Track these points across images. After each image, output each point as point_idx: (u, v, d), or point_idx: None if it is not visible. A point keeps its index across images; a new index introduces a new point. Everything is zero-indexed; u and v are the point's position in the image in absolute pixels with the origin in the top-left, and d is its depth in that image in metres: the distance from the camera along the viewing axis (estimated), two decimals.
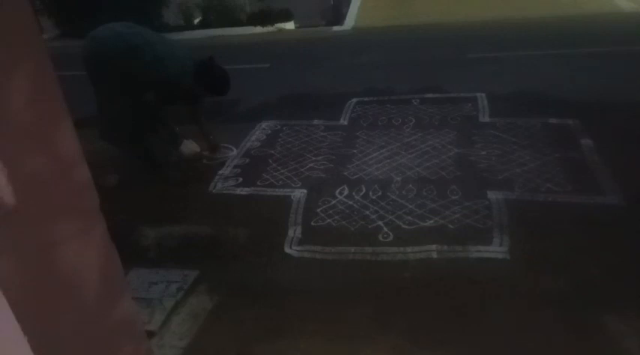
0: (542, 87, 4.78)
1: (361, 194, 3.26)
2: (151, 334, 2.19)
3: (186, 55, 3.51)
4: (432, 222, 2.91)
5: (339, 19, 9.68)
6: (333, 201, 3.21)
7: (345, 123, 4.41)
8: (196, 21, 10.26)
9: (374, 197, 3.21)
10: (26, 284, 0.96)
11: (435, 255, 2.63)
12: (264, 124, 4.50)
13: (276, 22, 9.42)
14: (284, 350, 2.12)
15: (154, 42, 3.38)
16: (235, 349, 2.14)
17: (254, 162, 3.85)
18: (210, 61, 3.53)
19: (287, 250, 2.79)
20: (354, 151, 3.85)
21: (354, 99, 4.87)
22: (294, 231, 2.94)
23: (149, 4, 9.42)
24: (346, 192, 3.31)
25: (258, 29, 9.37)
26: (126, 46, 3.27)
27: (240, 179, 3.61)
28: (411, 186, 3.29)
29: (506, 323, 2.15)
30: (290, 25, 9.60)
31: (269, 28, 9.37)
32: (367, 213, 3.05)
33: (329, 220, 3.02)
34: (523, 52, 6.04)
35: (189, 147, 3.90)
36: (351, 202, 3.18)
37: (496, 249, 2.63)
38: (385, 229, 2.88)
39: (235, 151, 4.03)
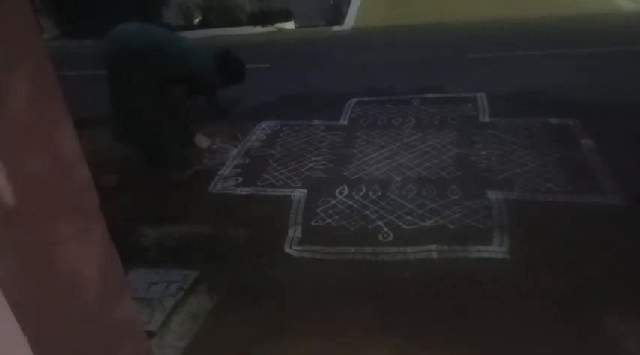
0: (542, 87, 4.78)
1: (361, 194, 3.26)
2: (151, 334, 2.19)
3: (201, 49, 3.76)
4: (432, 222, 2.91)
5: (339, 19, 9.68)
6: (333, 201, 3.21)
7: (345, 123, 4.41)
8: (196, 21, 10.26)
9: (374, 197, 3.21)
10: (26, 284, 0.96)
11: (435, 255, 2.63)
12: (264, 124, 4.50)
13: (276, 22, 9.42)
14: (284, 350, 2.12)
15: (173, 38, 3.59)
16: (235, 349, 2.14)
17: (254, 162, 3.85)
18: (228, 52, 3.78)
19: (287, 250, 2.79)
20: (354, 151, 3.85)
21: (354, 99, 4.87)
22: (294, 231, 2.94)
23: (149, 4, 9.42)
24: (346, 192, 3.31)
25: (258, 29, 9.37)
26: (150, 44, 3.33)
27: (240, 179, 3.61)
28: (411, 186, 3.29)
29: (506, 323, 2.15)
30: (290, 25, 9.60)
31: (269, 28, 9.37)
32: (367, 213, 3.05)
33: (329, 220, 3.02)
34: (523, 52, 6.04)
35: (202, 140, 4.08)
36: (351, 202, 3.18)
37: (496, 249, 2.63)
38: (385, 229, 2.88)
39: (235, 151, 4.04)
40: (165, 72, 3.41)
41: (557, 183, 3.16)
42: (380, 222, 2.95)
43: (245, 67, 3.83)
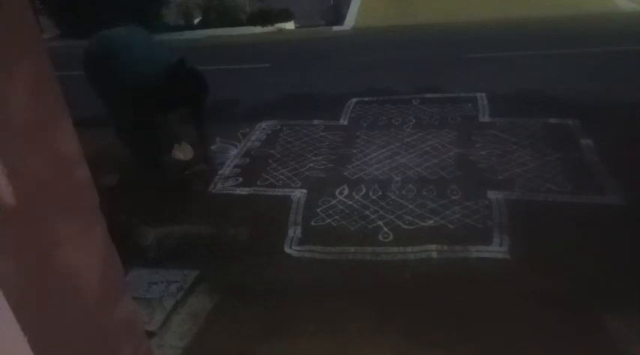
0: (542, 87, 4.78)
1: (361, 194, 3.26)
2: (151, 334, 2.19)
3: (165, 58, 3.42)
4: (432, 221, 2.91)
5: (339, 19, 9.69)
6: (333, 201, 3.21)
7: (345, 123, 4.41)
8: (196, 21, 10.27)
9: (374, 197, 3.21)
10: (26, 284, 0.96)
11: (435, 255, 2.63)
12: (264, 124, 4.50)
13: (276, 22, 9.43)
14: (284, 350, 2.12)
15: (135, 44, 3.41)
16: (235, 349, 2.14)
17: (254, 162, 3.85)
18: (179, 64, 3.38)
19: (287, 250, 2.79)
20: (354, 151, 3.85)
21: (354, 99, 4.87)
22: (294, 231, 2.94)
23: (149, 5, 9.42)
24: (346, 192, 3.31)
25: (258, 29, 9.37)
26: (108, 48, 3.37)
27: (240, 179, 3.61)
28: (411, 186, 3.29)
29: (506, 323, 2.15)
30: (290, 25, 9.61)
31: (269, 28, 9.37)
32: (367, 213, 3.05)
33: (329, 220, 3.02)
34: (523, 52, 6.04)
35: (183, 151, 3.73)
36: (351, 202, 3.18)
37: (496, 249, 2.62)
38: (385, 229, 2.88)
39: (235, 151, 4.04)
40: (116, 77, 3.33)
41: (557, 183, 3.16)
42: (380, 222, 2.95)
43: (197, 82, 3.45)
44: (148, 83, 3.26)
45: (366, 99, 4.89)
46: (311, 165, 3.71)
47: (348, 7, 10.29)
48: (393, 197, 3.19)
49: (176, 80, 3.32)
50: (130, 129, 3.62)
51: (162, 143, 3.80)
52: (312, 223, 3.01)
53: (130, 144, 3.76)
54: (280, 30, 9.38)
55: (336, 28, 9.18)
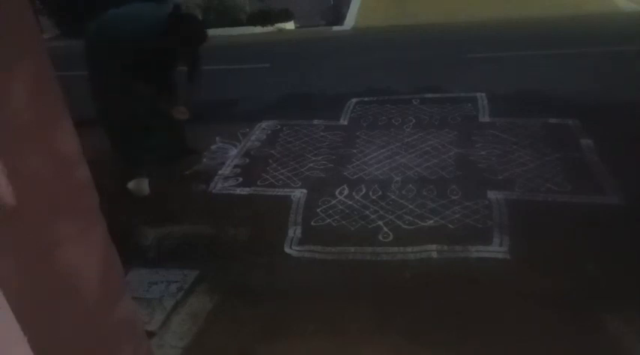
0: (542, 87, 4.78)
1: (361, 194, 3.26)
2: (151, 334, 2.19)
3: (156, 12, 3.28)
4: (432, 221, 2.91)
5: (339, 19, 9.69)
6: (333, 201, 3.21)
7: (345, 123, 4.41)
8: None
9: (374, 197, 3.21)
10: (26, 284, 0.96)
11: (435, 255, 2.63)
12: (264, 124, 4.50)
13: (276, 22, 9.43)
14: (284, 350, 2.12)
15: (130, 10, 3.28)
16: (235, 349, 2.14)
17: (254, 162, 3.85)
18: (175, 9, 3.30)
19: (287, 250, 2.79)
20: (354, 151, 3.85)
21: (354, 99, 4.87)
22: (294, 231, 2.94)
23: None
24: (346, 192, 3.31)
25: (258, 29, 9.37)
26: (99, 21, 3.26)
27: (240, 179, 3.61)
28: (411, 186, 3.29)
29: (506, 323, 2.15)
30: (290, 25, 9.61)
31: (269, 28, 9.37)
32: (367, 213, 3.05)
33: (329, 220, 3.02)
34: (523, 52, 6.04)
35: (139, 186, 3.49)
36: (351, 202, 3.18)
37: (496, 249, 2.62)
38: (385, 229, 2.88)
39: (235, 151, 4.04)
40: (107, 44, 3.18)
41: (557, 183, 3.16)
42: (380, 222, 2.95)
43: (197, 24, 3.43)
44: (144, 37, 3.12)
45: (366, 99, 4.89)
46: (311, 165, 3.71)
47: (348, 7, 10.29)
48: (393, 197, 3.19)
49: (177, 27, 3.20)
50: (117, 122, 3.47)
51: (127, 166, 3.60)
52: (312, 223, 3.01)
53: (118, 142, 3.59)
54: (280, 30, 9.38)
55: (336, 28, 9.19)
